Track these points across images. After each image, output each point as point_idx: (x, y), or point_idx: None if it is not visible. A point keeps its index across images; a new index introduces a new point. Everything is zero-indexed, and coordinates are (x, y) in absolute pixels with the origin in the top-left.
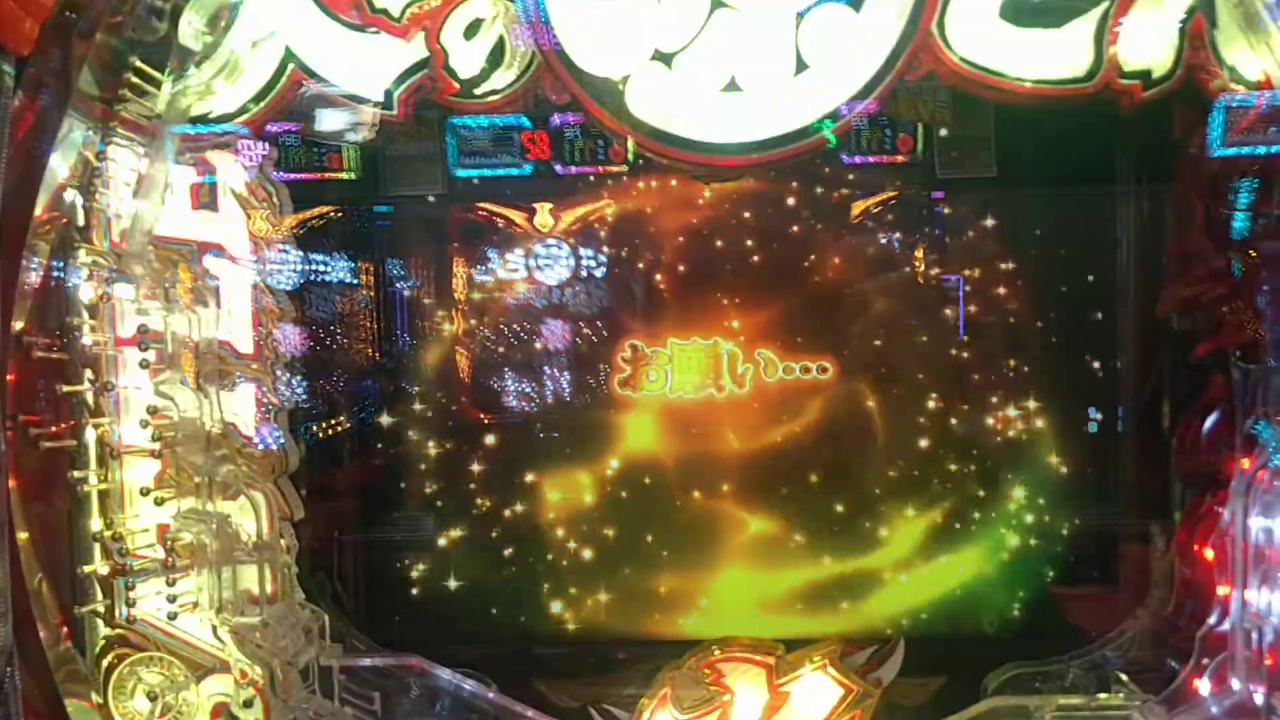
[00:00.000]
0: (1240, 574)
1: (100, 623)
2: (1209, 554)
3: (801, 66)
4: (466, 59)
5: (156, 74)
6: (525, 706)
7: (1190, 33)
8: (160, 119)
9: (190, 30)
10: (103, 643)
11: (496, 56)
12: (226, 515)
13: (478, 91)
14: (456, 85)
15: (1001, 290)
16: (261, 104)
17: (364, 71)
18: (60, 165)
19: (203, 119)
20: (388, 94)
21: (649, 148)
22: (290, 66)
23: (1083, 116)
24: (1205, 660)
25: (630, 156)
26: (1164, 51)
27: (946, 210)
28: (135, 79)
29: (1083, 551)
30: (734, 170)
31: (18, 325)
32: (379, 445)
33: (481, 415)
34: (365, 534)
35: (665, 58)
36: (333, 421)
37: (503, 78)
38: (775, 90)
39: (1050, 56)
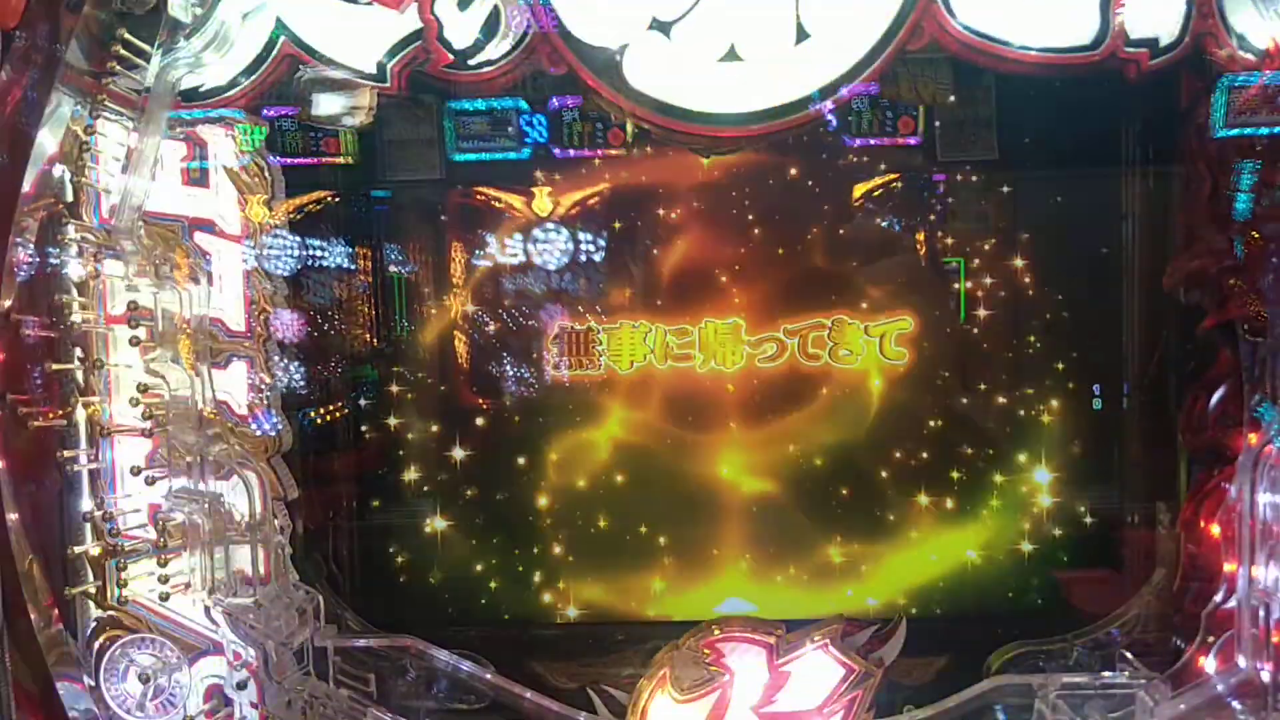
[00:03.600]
0: (1247, 550)
1: (91, 604)
2: (1215, 530)
3: (802, 35)
4: (460, 29)
5: (146, 46)
6: (523, 688)
7: None
8: (150, 92)
9: (179, 2)
10: (94, 624)
11: (491, 27)
12: (219, 495)
13: (472, 63)
14: (450, 57)
15: (1004, 271)
16: (253, 77)
17: (356, 43)
18: (49, 140)
19: (194, 93)
20: (380, 66)
21: (646, 119)
22: (281, 39)
23: (1086, 91)
24: (1211, 638)
25: (629, 139)
26: (1171, 19)
27: (948, 192)
28: (124, 52)
29: (1087, 530)
30: (732, 142)
31: (6, 303)
32: (375, 430)
33: (480, 399)
34: (362, 518)
35: (663, 26)
36: (330, 407)
37: (497, 49)
38: (775, 60)
39: (1055, 24)
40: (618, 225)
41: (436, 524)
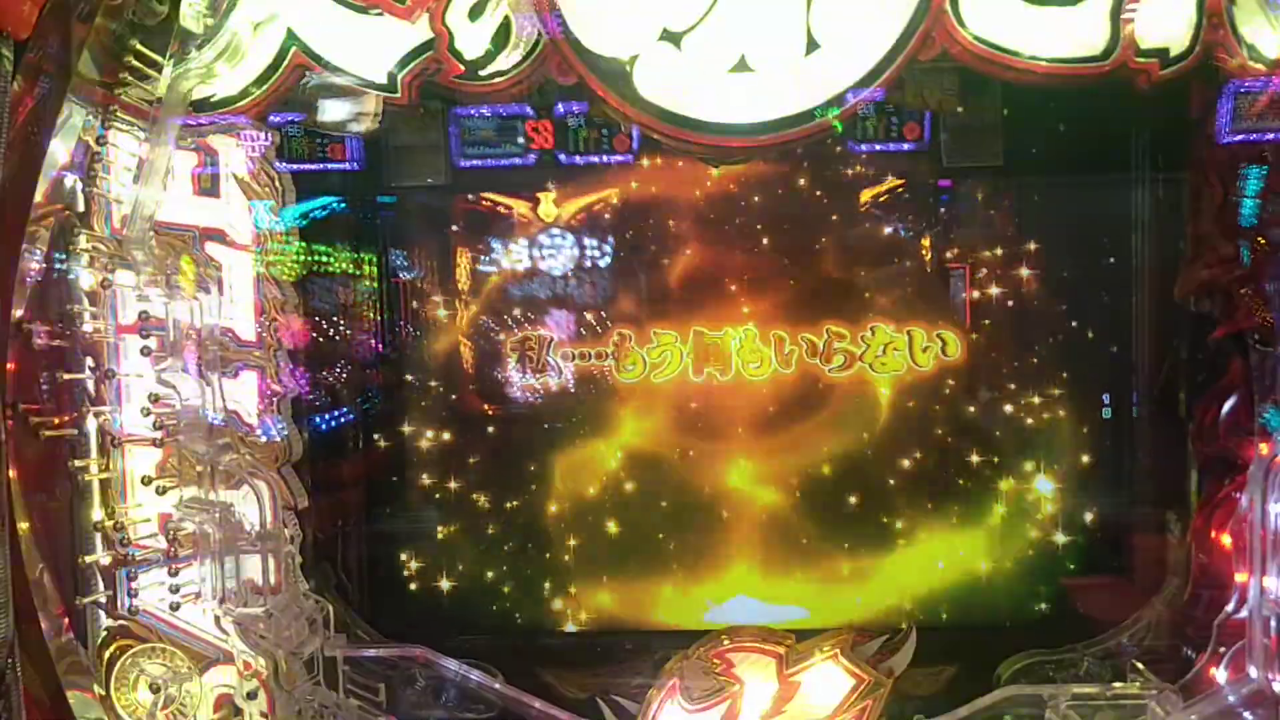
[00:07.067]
0: (1258, 560)
1: (102, 614)
2: (1226, 540)
3: (813, 46)
4: (471, 40)
5: (157, 57)
6: (532, 697)
7: (1208, 9)
8: (161, 103)
9: (191, 12)
10: (105, 634)
11: (502, 38)
12: (229, 504)
13: (483, 73)
14: (461, 67)
15: (1011, 278)
16: (263, 87)
17: (367, 54)
18: (60, 151)
19: (204, 103)
20: (391, 77)
21: (656, 129)
22: (292, 49)
23: (1092, 101)
24: (1222, 648)
25: (634, 146)
26: (1181, 29)
27: (953, 198)
28: (136, 63)
29: (1098, 539)
30: (742, 152)
31: (18, 313)
32: (382, 436)
33: (486, 405)
34: (369, 525)
35: (674, 37)
36: (336, 412)
37: (508, 59)
38: (786, 70)
39: (1066, 34)
40: (625, 232)
41: (444, 530)
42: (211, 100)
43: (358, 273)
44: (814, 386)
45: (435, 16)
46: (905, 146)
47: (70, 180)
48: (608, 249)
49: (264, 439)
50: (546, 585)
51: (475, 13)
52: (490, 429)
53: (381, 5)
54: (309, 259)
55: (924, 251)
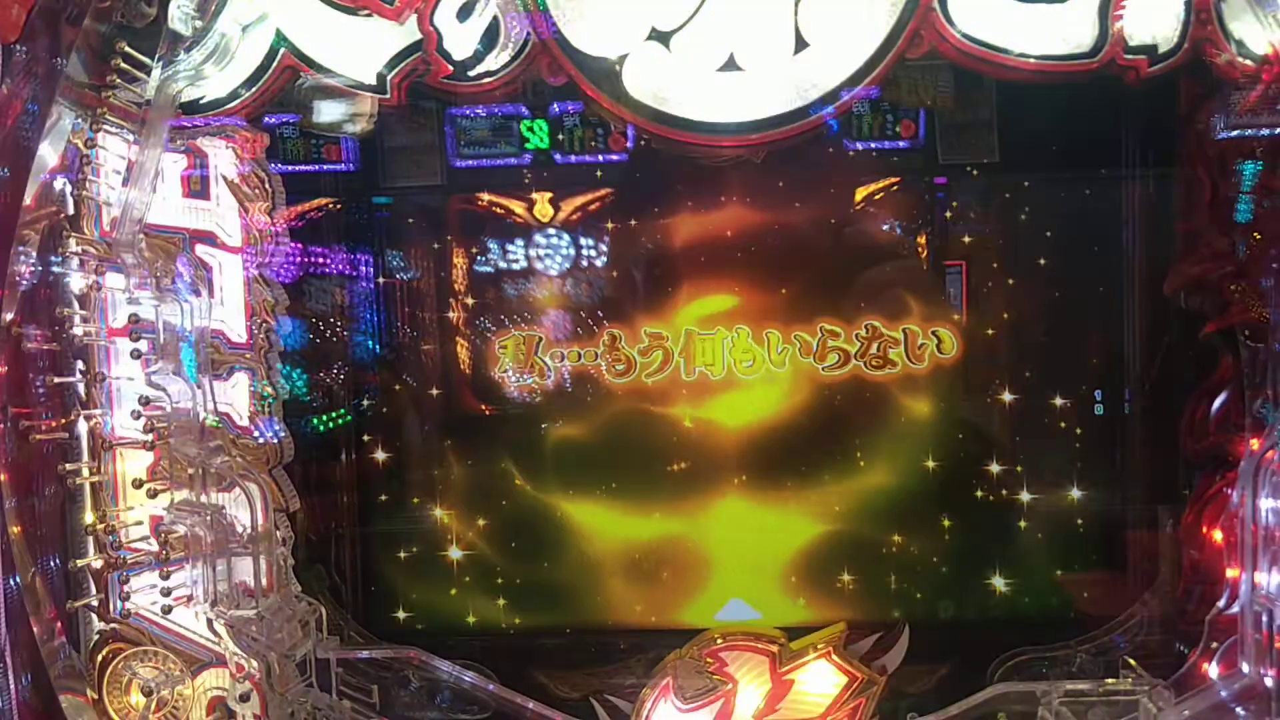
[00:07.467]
0: (1250, 556)
1: (94, 617)
2: (1218, 536)
3: (801, 45)
4: (460, 41)
5: (146, 60)
6: (526, 698)
7: (1196, 6)
8: (150, 105)
9: (179, 14)
10: (97, 637)
11: (490, 38)
12: (221, 507)
13: (472, 74)
14: (450, 68)
15: (1006, 275)
16: (253, 89)
17: (356, 55)
18: (49, 153)
19: (194, 105)
20: (380, 78)
21: (646, 128)
22: (281, 51)
23: (1086, 96)
24: (1214, 644)
25: (630, 145)
26: (1170, 25)
27: (948, 195)
28: (124, 65)
29: (1088, 535)
30: (732, 151)
31: (7, 316)
32: (377, 437)
33: (483, 406)
34: (364, 527)
35: (662, 36)
36: (332, 415)
37: (497, 60)
38: (775, 69)
39: (1054, 31)
40: (618, 230)
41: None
42: (201, 102)
43: (354, 274)
44: (808, 386)
45: (423, 17)
46: (900, 144)
47: (60, 183)
48: (602, 248)
49: (256, 441)
50: (535, 586)
51: (463, 13)
52: (477, 429)
53: (370, 6)
54: (304, 260)
55: (920, 248)
